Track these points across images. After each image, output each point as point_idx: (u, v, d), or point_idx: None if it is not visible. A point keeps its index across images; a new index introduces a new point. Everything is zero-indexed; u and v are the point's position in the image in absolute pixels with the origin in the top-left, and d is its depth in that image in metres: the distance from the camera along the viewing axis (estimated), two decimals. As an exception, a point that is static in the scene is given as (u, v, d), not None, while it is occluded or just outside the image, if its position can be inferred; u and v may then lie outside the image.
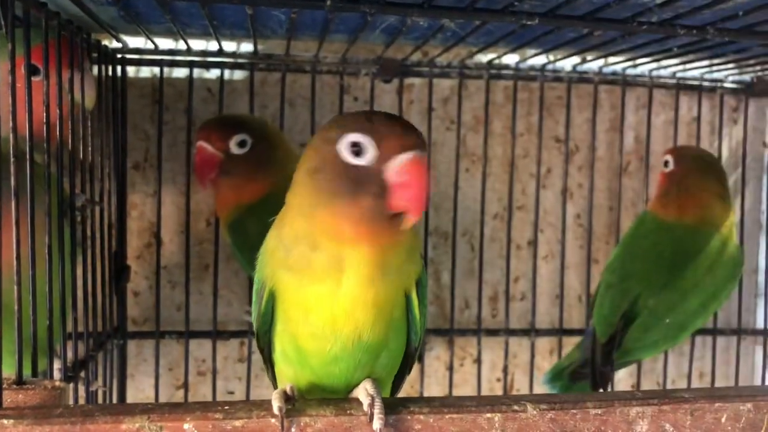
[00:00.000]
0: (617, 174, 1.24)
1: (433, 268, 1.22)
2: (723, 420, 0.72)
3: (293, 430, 0.61)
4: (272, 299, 0.66)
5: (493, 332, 1.21)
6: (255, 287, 0.69)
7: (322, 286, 0.62)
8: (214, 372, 1.13)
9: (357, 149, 0.60)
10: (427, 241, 1.18)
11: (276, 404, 0.60)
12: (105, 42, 1.03)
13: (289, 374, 0.69)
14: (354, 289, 0.61)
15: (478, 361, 1.21)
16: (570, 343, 1.25)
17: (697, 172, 1.09)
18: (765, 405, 0.74)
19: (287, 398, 0.62)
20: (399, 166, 0.60)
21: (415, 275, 0.66)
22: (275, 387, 0.72)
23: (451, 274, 1.18)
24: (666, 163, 1.11)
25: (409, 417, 0.65)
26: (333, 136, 0.61)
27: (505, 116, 1.22)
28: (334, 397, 0.68)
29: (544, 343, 1.25)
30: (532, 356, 1.22)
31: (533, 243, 1.23)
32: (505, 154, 1.22)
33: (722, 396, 0.73)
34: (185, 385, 1.13)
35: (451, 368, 1.19)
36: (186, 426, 0.61)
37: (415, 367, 1.17)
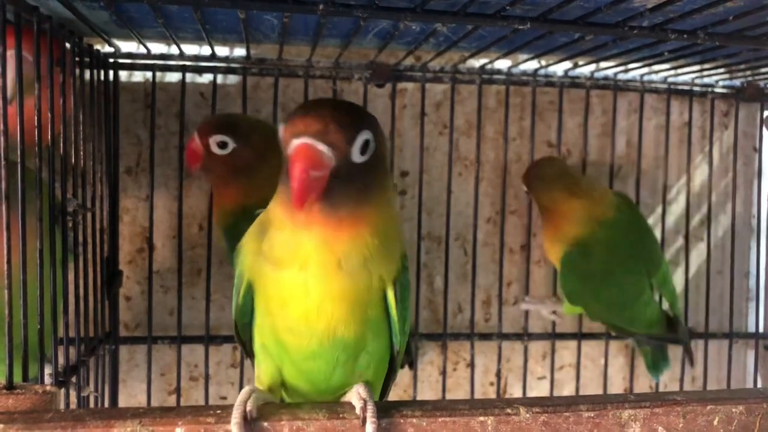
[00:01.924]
0: (609, 178, 1.24)
1: (426, 272, 1.22)
2: (715, 422, 0.73)
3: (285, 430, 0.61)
4: (250, 292, 0.67)
5: (486, 336, 1.21)
6: (235, 281, 0.69)
7: (296, 274, 0.62)
8: (207, 377, 1.12)
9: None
10: (420, 245, 1.19)
11: (235, 430, 0.60)
12: (97, 46, 1.03)
13: (269, 368, 0.69)
14: (319, 277, 0.61)
15: (472, 365, 1.21)
16: (562, 347, 1.25)
17: (545, 188, 1.11)
18: (757, 407, 0.74)
19: (246, 419, 0.61)
20: (289, 154, 0.60)
21: (392, 273, 0.66)
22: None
23: (444, 278, 1.18)
24: (527, 192, 1.15)
25: (401, 420, 0.65)
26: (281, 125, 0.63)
27: (497, 121, 1.22)
28: (319, 396, 0.68)
29: (537, 347, 1.25)
30: (525, 360, 1.22)
31: (526, 247, 1.23)
32: (498, 158, 1.23)
33: (714, 399, 0.73)
34: (177, 391, 1.12)
35: (444, 373, 1.19)
36: (178, 430, 0.61)
37: (408, 372, 1.18)
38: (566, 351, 1.26)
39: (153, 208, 1.10)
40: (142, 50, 1.08)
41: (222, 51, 1.12)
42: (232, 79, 1.15)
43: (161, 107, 1.13)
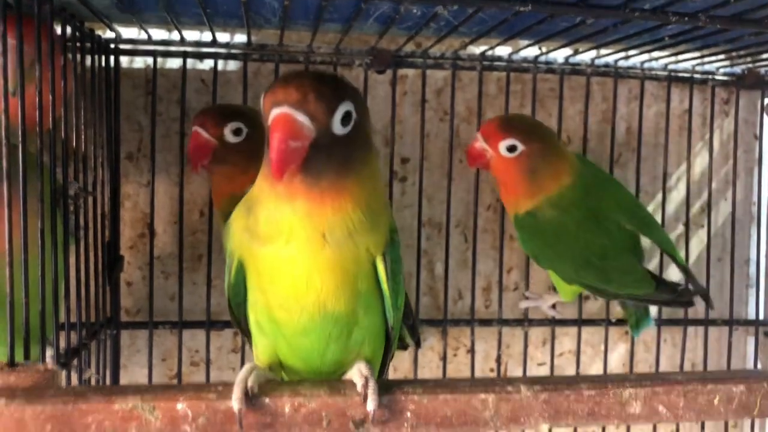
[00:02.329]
0: (609, 165, 1.24)
1: (426, 259, 1.22)
2: (716, 402, 0.73)
3: (287, 409, 0.61)
4: (242, 270, 0.67)
5: (486, 322, 1.21)
6: (226, 260, 0.69)
7: (277, 247, 0.62)
8: (208, 362, 1.13)
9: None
10: (421, 232, 1.18)
11: (236, 405, 0.60)
12: (99, 32, 1.03)
13: (265, 346, 0.70)
14: (304, 251, 0.61)
15: (472, 351, 1.21)
16: (562, 333, 1.25)
17: (546, 144, 1.06)
18: (758, 387, 0.75)
19: (248, 396, 0.61)
20: (269, 124, 0.59)
21: (379, 246, 0.65)
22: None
23: (444, 264, 1.18)
24: (512, 148, 1.03)
25: (402, 398, 0.65)
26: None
27: (498, 108, 1.22)
28: (315, 375, 0.68)
29: (537, 333, 1.26)
30: (526, 346, 1.22)
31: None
32: (499, 145, 1.22)
33: (715, 378, 0.74)
34: (179, 375, 1.12)
35: (444, 358, 1.19)
36: (179, 406, 0.61)
37: (409, 358, 1.18)
38: (566, 337, 1.26)
39: (154, 194, 1.10)
40: (143, 36, 1.08)
41: (223, 37, 1.12)
42: (233, 65, 1.15)
43: (162, 93, 1.13)
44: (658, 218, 1.21)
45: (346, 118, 0.61)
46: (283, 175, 0.58)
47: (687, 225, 1.26)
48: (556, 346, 1.25)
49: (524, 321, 1.22)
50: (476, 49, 1.17)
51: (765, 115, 1.31)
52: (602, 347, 1.25)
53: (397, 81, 1.17)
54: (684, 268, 1.11)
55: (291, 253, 0.61)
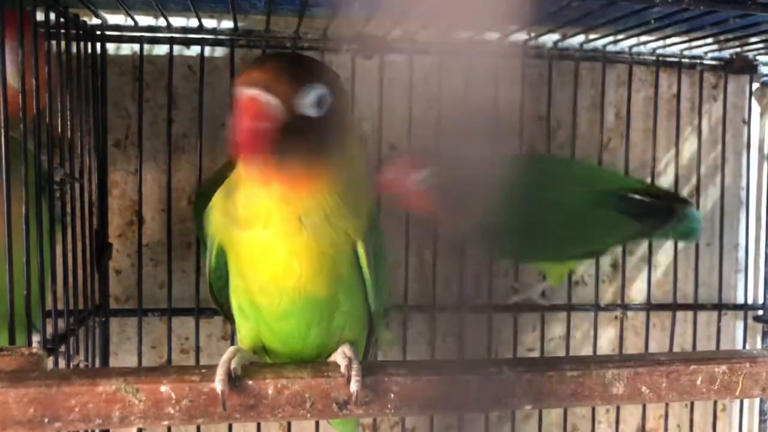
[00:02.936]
0: (598, 151, 1.24)
1: (415, 245, 1.22)
2: (698, 382, 0.74)
3: (270, 391, 0.61)
4: (223, 255, 0.67)
5: (476, 309, 1.21)
6: (208, 244, 0.69)
7: (263, 233, 0.62)
8: (197, 350, 1.13)
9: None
10: (409, 218, 1.19)
11: (219, 387, 0.60)
12: (84, 18, 1.03)
13: (248, 330, 0.70)
14: (282, 235, 0.61)
15: (461, 337, 1.21)
16: (552, 318, 1.26)
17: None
18: (740, 367, 0.75)
19: (231, 377, 0.61)
20: (237, 105, 0.59)
21: (360, 230, 0.65)
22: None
23: (432, 251, 1.18)
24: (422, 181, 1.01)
25: (386, 379, 0.66)
26: None
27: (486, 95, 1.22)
28: (299, 358, 0.68)
29: (526, 319, 1.26)
30: (515, 332, 1.23)
31: (515, 220, 1.23)
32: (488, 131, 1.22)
33: (697, 359, 0.74)
34: (168, 363, 1.12)
35: (433, 345, 1.19)
36: (163, 388, 0.61)
37: (398, 344, 1.19)
38: (556, 323, 1.26)
39: (142, 182, 1.10)
40: (130, 22, 1.07)
41: (209, 23, 1.12)
42: (220, 51, 1.14)
43: (149, 80, 1.13)
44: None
45: (319, 101, 0.60)
46: (248, 157, 0.58)
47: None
48: (546, 332, 1.25)
49: (513, 307, 1.23)
50: (464, 35, 1.17)
51: (753, 99, 1.31)
52: (591, 332, 1.25)
53: (384, 67, 1.16)
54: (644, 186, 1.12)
55: (268, 237, 0.62)
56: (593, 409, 1.26)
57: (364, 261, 0.66)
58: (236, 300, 0.69)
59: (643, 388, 0.71)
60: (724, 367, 0.74)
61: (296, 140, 0.59)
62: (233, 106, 0.59)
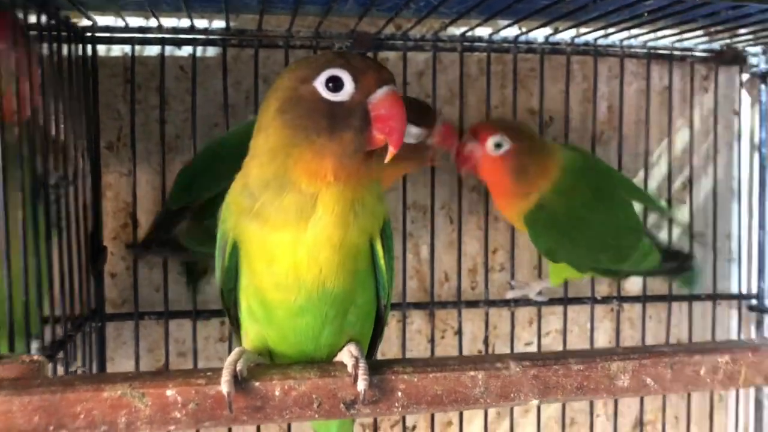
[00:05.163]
0: (591, 144, 1.24)
1: (412, 242, 1.22)
2: (702, 372, 0.74)
3: (277, 392, 0.61)
4: (236, 253, 0.66)
5: (473, 304, 1.22)
6: (218, 243, 0.68)
7: (290, 229, 0.61)
8: (195, 352, 1.12)
9: (334, 85, 0.61)
10: (406, 215, 1.19)
11: (225, 389, 0.59)
12: (74, 20, 1.02)
13: (255, 334, 0.69)
14: (323, 231, 0.61)
15: (459, 332, 1.21)
16: (549, 312, 1.26)
17: (531, 139, 1.08)
18: (742, 357, 0.75)
19: (236, 380, 0.61)
20: (380, 99, 0.62)
21: (380, 222, 0.66)
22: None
23: (430, 247, 1.18)
24: (499, 145, 1.06)
25: (393, 377, 0.65)
26: (308, 73, 0.62)
27: (479, 89, 1.22)
28: (307, 359, 0.67)
29: (523, 313, 1.26)
30: (512, 327, 1.23)
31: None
32: (481, 126, 1.22)
33: (700, 350, 0.74)
34: (166, 366, 1.12)
35: (432, 341, 1.19)
36: (169, 392, 0.60)
37: (397, 341, 1.19)
38: (552, 317, 1.27)
39: (136, 184, 1.09)
40: (120, 23, 1.06)
41: (201, 23, 1.11)
42: (212, 51, 1.14)
43: (141, 81, 1.12)
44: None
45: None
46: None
47: (669, 201, 1.27)
48: (543, 326, 1.26)
49: (510, 302, 1.23)
50: (456, 30, 1.17)
51: (743, 90, 1.32)
52: (588, 325, 1.25)
53: (378, 64, 1.16)
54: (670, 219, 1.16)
55: (298, 232, 0.61)
56: (591, 403, 1.27)
57: (381, 254, 0.66)
58: (246, 301, 0.68)
59: (648, 380, 0.71)
60: (726, 357, 0.74)
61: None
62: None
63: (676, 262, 1.15)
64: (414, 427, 1.23)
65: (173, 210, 1.00)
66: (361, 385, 0.62)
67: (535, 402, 0.68)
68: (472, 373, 0.67)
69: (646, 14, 1.02)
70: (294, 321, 0.65)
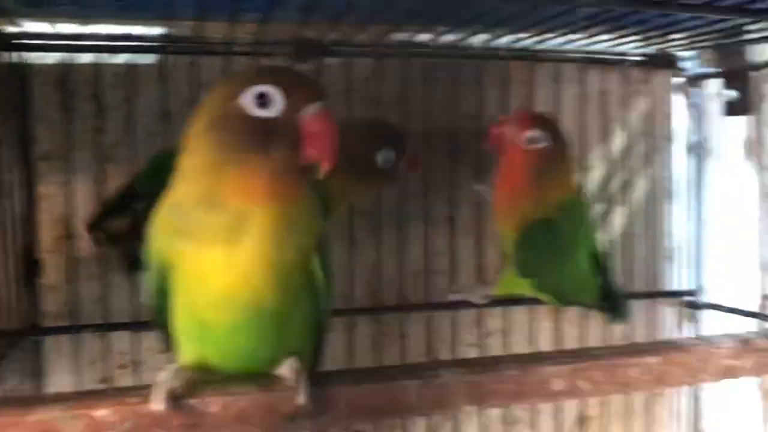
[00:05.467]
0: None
1: (358, 248, 1.22)
2: (634, 374, 0.76)
3: (214, 409, 0.61)
4: (165, 272, 0.65)
5: (416, 308, 1.23)
6: (147, 262, 0.67)
7: (222, 248, 0.60)
8: (136, 364, 1.10)
9: (263, 101, 0.60)
10: (353, 221, 1.19)
11: (159, 407, 0.59)
12: (3, 27, 0.99)
13: (191, 350, 0.67)
14: (256, 250, 0.60)
15: (404, 337, 1.22)
16: (491, 314, 1.28)
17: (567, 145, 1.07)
18: (672, 358, 0.78)
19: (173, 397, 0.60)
20: (311, 116, 0.61)
21: (316, 237, 0.65)
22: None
23: (375, 252, 1.19)
24: (535, 140, 1.03)
25: (333, 389, 0.66)
26: (235, 90, 0.61)
27: (424, 95, 1.23)
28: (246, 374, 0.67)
29: (466, 315, 1.27)
30: (455, 329, 1.24)
31: (450, 219, 1.25)
32: (425, 131, 1.23)
33: (633, 352, 0.77)
34: (108, 380, 1.10)
35: (377, 346, 1.20)
36: (102, 412, 0.59)
37: (343, 348, 1.19)
38: (495, 318, 1.28)
39: (72, 194, 1.07)
40: (53, 30, 1.04)
41: (137, 30, 1.09)
42: (149, 58, 1.12)
43: (75, 89, 1.09)
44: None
45: None
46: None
47: (607, 202, 1.30)
48: (486, 327, 1.27)
49: (453, 305, 1.23)
50: (400, 37, 1.18)
51: (676, 93, 1.36)
52: (530, 326, 1.28)
53: (322, 71, 1.16)
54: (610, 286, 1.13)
55: (232, 252, 0.60)
56: (536, 401, 1.29)
57: (318, 272, 0.66)
58: (179, 319, 0.66)
59: (582, 383, 0.73)
60: (657, 358, 0.77)
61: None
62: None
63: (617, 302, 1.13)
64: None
65: (139, 192, 0.97)
66: (301, 398, 0.62)
67: (470, 408, 0.69)
68: (407, 382, 0.68)
69: (580, 22, 1.05)
70: (230, 339, 0.64)
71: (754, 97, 1.25)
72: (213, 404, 0.60)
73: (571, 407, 1.33)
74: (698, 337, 1.20)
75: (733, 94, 1.26)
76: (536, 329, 1.28)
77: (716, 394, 1.32)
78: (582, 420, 1.30)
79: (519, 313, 1.29)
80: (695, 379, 0.80)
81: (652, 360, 0.76)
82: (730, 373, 0.78)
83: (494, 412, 1.28)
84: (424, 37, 1.17)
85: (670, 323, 1.37)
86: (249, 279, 0.61)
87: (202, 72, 1.12)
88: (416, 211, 1.25)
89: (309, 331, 0.70)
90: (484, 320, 1.26)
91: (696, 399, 1.36)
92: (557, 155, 1.04)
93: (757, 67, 1.23)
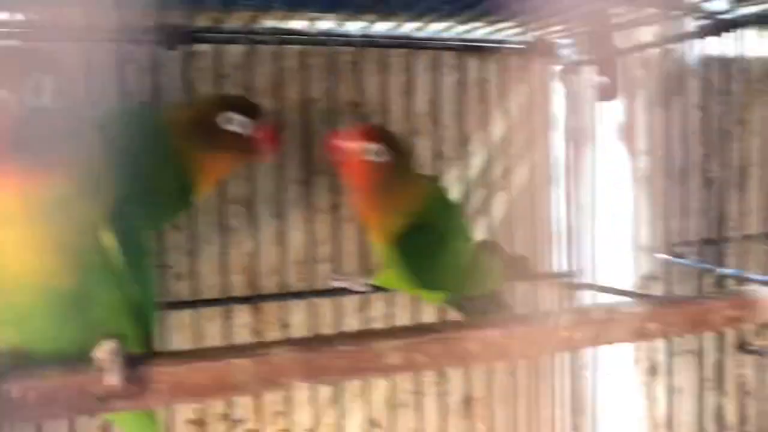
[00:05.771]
0: (411, 136, 1.27)
1: (236, 237, 1.21)
2: (473, 347, 0.77)
3: (13, 393, 0.59)
4: None
5: (299, 295, 1.23)
6: None
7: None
8: None
9: None
10: (228, 209, 1.18)
11: None
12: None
13: None
14: (19, 226, 0.59)
15: (286, 326, 1.22)
16: (376, 298, 1.28)
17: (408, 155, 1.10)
18: (514, 331, 0.79)
19: None
20: None
21: (103, 218, 0.64)
22: None
23: (253, 241, 1.18)
24: (376, 154, 1.03)
25: (154, 369, 0.65)
26: None
27: (299, 81, 1.23)
28: (57, 357, 0.65)
29: (351, 302, 1.28)
30: (339, 316, 1.24)
31: (336, 207, 1.25)
32: (303, 120, 1.23)
33: (471, 326, 0.78)
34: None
35: (258, 336, 1.19)
36: None
37: (220, 337, 1.18)
38: (380, 302, 1.29)
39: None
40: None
41: (-2, 15, 1.05)
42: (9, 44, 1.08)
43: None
44: (463, 184, 1.27)
45: (36, 89, 0.60)
46: None
47: (489, 188, 1.33)
48: (371, 312, 1.28)
49: (335, 291, 1.24)
50: (273, 23, 1.17)
51: (556, 81, 1.39)
52: (414, 310, 1.29)
53: (192, 57, 1.14)
54: None
55: (6, 234, 0.59)
56: (419, 383, 1.30)
57: (113, 249, 0.64)
58: None
59: (419, 357, 0.74)
60: (497, 332, 0.78)
61: (32, 131, 0.58)
62: None
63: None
64: (241, 420, 1.22)
65: None
66: (114, 378, 0.61)
67: (303, 384, 0.69)
68: (237, 360, 0.67)
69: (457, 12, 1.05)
70: (29, 323, 0.63)
71: (623, 82, 1.29)
72: (10, 389, 0.59)
73: (456, 389, 1.35)
74: (542, 312, 1.22)
75: (604, 80, 1.30)
76: (420, 313, 1.29)
77: (597, 372, 1.36)
78: (468, 401, 1.32)
79: (404, 296, 1.31)
80: (540, 351, 0.82)
81: (490, 333, 0.77)
82: (567, 344, 0.80)
83: (380, 396, 1.29)
84: (298, 23, 1.17)
85: (550, 305, 1.40)
86: (30, 261, 0.60)
87: (63, 59, 1.09)
88: (297, 199, 1.25)
89: (124, 314, 0.68)
90: (367, 306, 1.27)
91: (575, 377, 1.40)
92: (403, 165, 1.06)
93: (625, 52, 1.27)
